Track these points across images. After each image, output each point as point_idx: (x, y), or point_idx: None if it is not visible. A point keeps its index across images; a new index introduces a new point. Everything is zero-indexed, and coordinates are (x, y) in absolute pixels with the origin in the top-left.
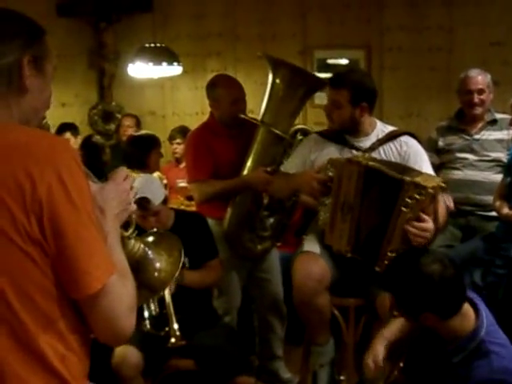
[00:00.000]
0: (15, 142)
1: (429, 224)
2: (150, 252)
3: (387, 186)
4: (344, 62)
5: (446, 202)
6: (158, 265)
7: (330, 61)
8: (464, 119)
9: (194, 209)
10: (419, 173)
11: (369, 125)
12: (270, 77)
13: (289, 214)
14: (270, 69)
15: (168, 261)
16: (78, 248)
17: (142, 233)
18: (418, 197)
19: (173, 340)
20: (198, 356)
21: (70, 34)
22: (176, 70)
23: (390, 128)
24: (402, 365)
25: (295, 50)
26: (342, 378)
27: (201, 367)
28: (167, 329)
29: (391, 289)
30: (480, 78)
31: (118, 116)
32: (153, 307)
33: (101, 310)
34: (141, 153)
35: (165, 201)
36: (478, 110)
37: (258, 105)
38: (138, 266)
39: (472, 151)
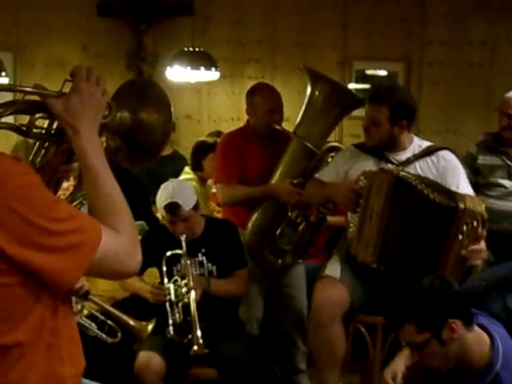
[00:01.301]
0: None
1: (482, 244)
2: (138, 117)
3: (429, 207)
4: (383, 73)
5: None
6: (149, 126)
7: (369, 71)
8: (506, 140)
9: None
10: (461, 195)
11: (406, 140)
12: (309, 89)
13: (314, 231)
14: (310, 82)
15: (159, 119)
16: (49, 260)
17: (171, 239)
18: (475, 224)
19: (195, 348)
20: (221, 366)
21: (110, 34)
22: (213, 75)
23: (427, 143)
24: None
25: (334, 60)
26: None
27: (223, 377)
28: (190, 336)
29: (409, 316)
30: None
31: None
32: (177, 314)
33: (102, 272)
34: (198, 156)
35: (195, 207)
36: (508, 134)
37: (293, 113)
38: (131, 134)
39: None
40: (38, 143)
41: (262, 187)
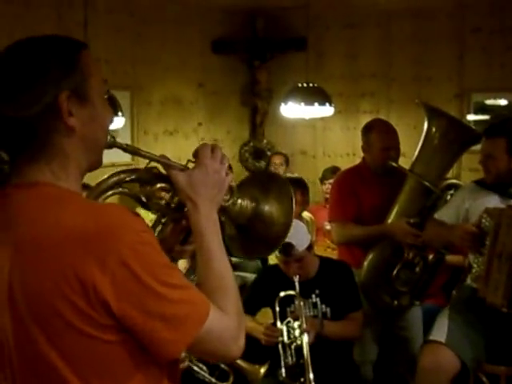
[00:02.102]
0: (70, 230)
1: None
2: (259, 207)
3: None
4: (503, 102)
5: None
6: (269, 218)
7: (488, 102)
8: None
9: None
10: None
11: None
12: (426, 125)
13: (432, 272)
14: (426, 117)
15: (280, 211)
16: (152, 325)
17: (284, 279)
18: None
19: None
20: None
21: (224, 70)
22: (328, 110)
23: None
24: None
25: (451, 93)
26: None
27: None
28: (303, 380)
29: None
30: None
31: (269, 154)
32: (290, 356)
33: (203, 352)
34: None
35: (309, 247)
36: None
37: (410, 148)
38: (250, 223)
39: None
40: (156, 217)
41: (378, 227)
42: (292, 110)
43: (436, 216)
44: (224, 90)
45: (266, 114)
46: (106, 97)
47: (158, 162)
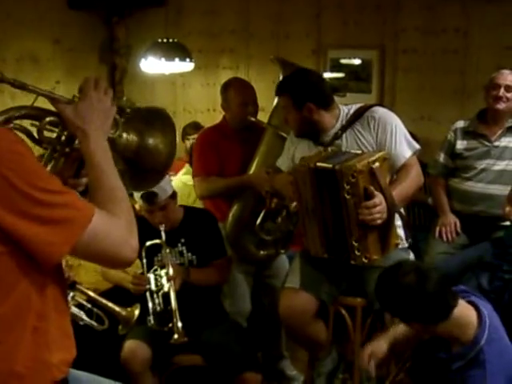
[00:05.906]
0: None
1: (376, 199)
2: (144, 139)
3: (330, 180)
4: (357, 61)
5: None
6: (155, 149)
7: (343, 61)
8: (485, 122)
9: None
10: (357, 155)
11: (330, 118)
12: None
13: (295, 220)
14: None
15: (164, 142)
16: (35, 229)
17: (150, 229)
18: (352, 180)
19: (176, 336)
20: (205, 352)
21: (82, 27)
22: (188, 66)
23: (355, 107)
24: (408, 366)
25: (309, 49)
26: (347, 376)
27: (208, 363)
28: (171, 325)
29: (381, 304)
30: (510, 77)
31: (128, 111)
32: (158, 303)
33: (93, 254)
34: None
35: (173, 196)
36: (502, 105)
37: (269, 103)
38: (137, 156)
39: (491, 158)
40: (47, 153)
41: (239, 177)
42: (152, 65)
43: (277, 163)
44: (82, 46)
45: (125, 71)
46: None
47: (44, 96)
